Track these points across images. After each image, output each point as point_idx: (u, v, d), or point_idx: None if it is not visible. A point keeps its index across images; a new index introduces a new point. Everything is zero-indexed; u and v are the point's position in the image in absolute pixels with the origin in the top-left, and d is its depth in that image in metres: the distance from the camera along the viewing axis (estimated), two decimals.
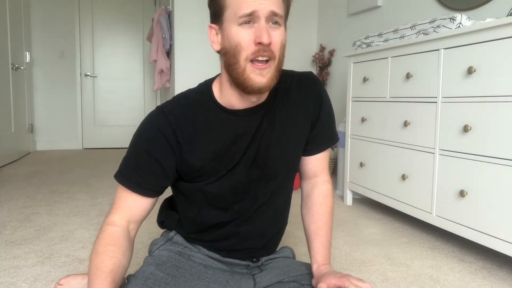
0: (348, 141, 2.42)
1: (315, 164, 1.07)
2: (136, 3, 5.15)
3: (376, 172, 2.14)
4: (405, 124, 1.88)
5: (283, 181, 1.04)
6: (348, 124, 2.41)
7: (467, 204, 1.56)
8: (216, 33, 0.91)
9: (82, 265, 1.47)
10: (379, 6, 3.02)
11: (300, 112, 1.00)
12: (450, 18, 1.65)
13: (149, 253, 1.05)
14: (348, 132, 2.42)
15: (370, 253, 1.66)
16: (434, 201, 1.73)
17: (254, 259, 1.07)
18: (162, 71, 3.88)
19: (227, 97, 0.94)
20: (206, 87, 0.99)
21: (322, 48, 3.82)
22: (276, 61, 0.87)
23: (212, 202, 1.00)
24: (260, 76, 0.85)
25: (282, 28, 0.88)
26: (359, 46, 2.30)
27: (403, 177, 1.91)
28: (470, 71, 1.52)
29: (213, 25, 0.91)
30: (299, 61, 3.95)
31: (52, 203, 2.34)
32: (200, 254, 1.04)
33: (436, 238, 1.85)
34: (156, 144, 0.92)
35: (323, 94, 1.04)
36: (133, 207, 0.95)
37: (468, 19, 1.63)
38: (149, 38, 4.15)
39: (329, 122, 1.06)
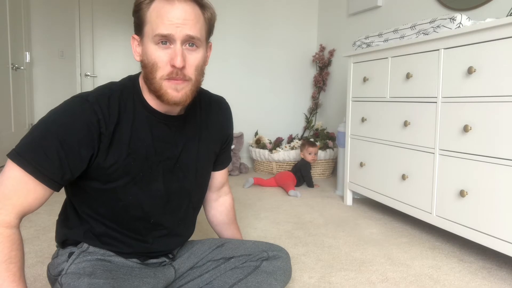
0: (348, 141, 2.42)
1: (222, 177, 1.24)
2: None
3: (376, 172, 2.14)
4: (405, 124, 1.88)
5: (199, 195, 1.13)
6: (348, 124, 2.41)
7: (467, 204, 1.56)
8: (138, 44, 0.93)
9: None
10: (379, 6, 3.02)
11: (214, 130, 1.11)
12: (450, 18, 1.65)
13: (57, 275, 0.96)
14: (348, 132, 2.42)
15: (370, 253, 1.66)
16: (434, 201, 1.73)
17: (170, 255, 1.11)
18: None
19: (148, 99, 0.97)
20: (132, 81, 0.97)
21: (322, 48, 3.81)
22: (192, 82, 0.91)
23: (129, 211, 0.97)
24: (176, 92, 0.89)
25: (199, 50, 0.91)
26: (359, 46, 2.30)
27: (403, 177, 1.91)
28: (470, 71, 1.52)
29: (136, 36, 0.93)
30: (299, 61, 3.94)
31: (52, 203, 2.34)
32: (119, 258, 1.01)
33: (436, 238, 1.85)
34: (74, 134, 0.85)
35: (232, 120, 1.19)
36: (29, 198, 0.84)
37: (468, 19, 1.63)
38: None
39: (231, 145, 1.22)
